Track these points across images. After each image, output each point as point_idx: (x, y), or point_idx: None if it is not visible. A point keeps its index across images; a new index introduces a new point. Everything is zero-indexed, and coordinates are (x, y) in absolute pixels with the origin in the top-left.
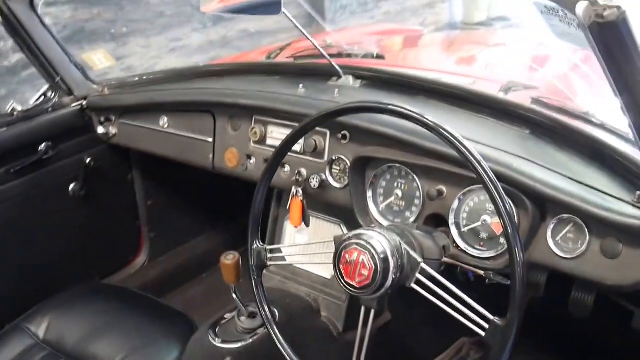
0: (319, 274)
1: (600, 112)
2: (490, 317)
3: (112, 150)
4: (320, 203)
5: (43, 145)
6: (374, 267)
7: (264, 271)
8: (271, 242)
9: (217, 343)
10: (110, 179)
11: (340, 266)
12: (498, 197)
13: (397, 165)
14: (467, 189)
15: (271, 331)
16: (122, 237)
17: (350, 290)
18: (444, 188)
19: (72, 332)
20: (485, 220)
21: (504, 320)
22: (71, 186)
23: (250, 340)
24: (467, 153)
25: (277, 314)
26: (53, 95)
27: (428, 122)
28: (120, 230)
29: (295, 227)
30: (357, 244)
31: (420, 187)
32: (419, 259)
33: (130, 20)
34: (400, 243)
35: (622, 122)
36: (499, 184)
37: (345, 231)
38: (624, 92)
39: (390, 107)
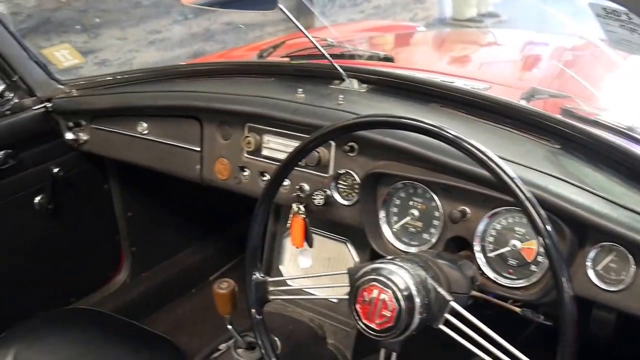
0: (325, 297)
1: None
2: None
3: (84, 158)
4: (324, 220)
5: (1, 153)
6: (397, 307)
7: None
8: (269, 262)
9: None
10: (83, 190)
11: (357, 306)
12: (544, 230)
13: (414, 182)
14: (493, 211)
15: None
16: (100, 254)
17: (370, 333)
18: (467, 209)
19: None
20: (514, 246)
21: None
22: (37, 199)
23: None
24: (509, 181)
25: (278, 343)
26: (11, 96)
27: (467, 145)
28: (97, 246)
29: (297, 248)
30: (376, 280)
31: (440, 208)
32: (448, 297)
33: (103, 10)
34: (426, 278)
35: None
36: (543, 213)
37: (353, 251)
38: None
39: (427, 126)
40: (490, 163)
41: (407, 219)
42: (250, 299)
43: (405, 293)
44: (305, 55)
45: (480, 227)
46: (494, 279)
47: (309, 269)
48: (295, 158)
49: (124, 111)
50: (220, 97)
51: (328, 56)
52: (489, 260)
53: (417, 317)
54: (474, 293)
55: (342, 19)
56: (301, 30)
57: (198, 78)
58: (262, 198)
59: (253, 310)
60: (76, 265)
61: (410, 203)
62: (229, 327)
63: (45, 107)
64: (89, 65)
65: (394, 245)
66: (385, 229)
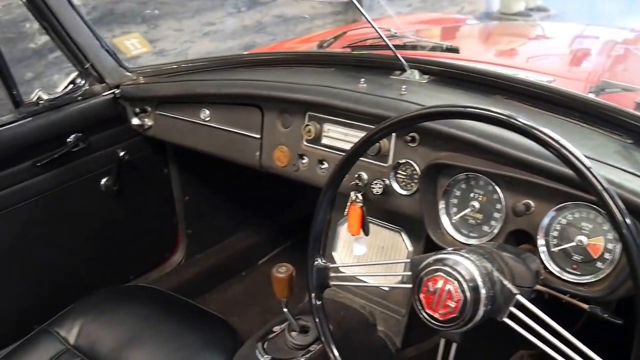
0: (376, 285)
1: None
2: None
3: (146, 143)
4: (379, 209)
5: (72, 136)
6: (462, 298)
7: None
8: (323, 248)
9: None
10: (145, 174)
11: (421, 295)
12: (623, 223)
13: (476, 174)
14: (560, 205)
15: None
16: (158, 235)
17: (432, 323)
18: (531, 202)
19: (106, 338)
20: (580, 241)
21: None
22: (103, 180)
23: (303, 359)
24: (585, 171)
25: (330, 327)
26: (83, 82)
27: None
28: (156, 227)
29: (353, 235)
30: (441, 270)
31: (502, 200)
32: (514, 290)
33: (162, 2)
34: (492, 270)
35: None
36: (622, 205)
37: (408, 241)
38: None
39: (498, 115)
40: (565, 151)
41: (467, 210)
42: (311, 284)
43: (471, 284)
44: (366, 46)
45: (545, 221)
46: (558, 274)
47: (363, 256)
48: (362, 147)
49: (188, 98)
50: (281, 85)
51: (392, 47)
52: (552, 255)
53: (482, 309)
54: (538, 287)
55: (389, 12)
56: (368, 21)
57: (259, 67)
58: (327, 186)
59: (313, 295)
60: (136, 245)
61: (471, 195)
62: (285, 310)
63: (113, 93)
64: (147, 55)
65: (452, 237)
66: (445, 220)
